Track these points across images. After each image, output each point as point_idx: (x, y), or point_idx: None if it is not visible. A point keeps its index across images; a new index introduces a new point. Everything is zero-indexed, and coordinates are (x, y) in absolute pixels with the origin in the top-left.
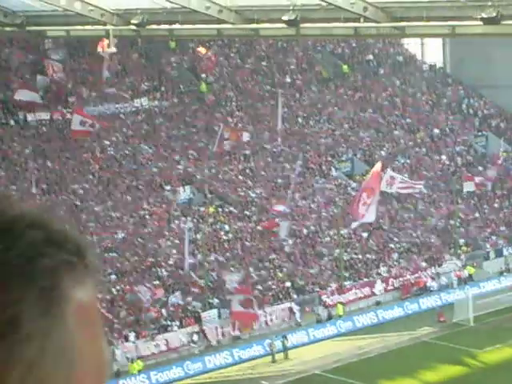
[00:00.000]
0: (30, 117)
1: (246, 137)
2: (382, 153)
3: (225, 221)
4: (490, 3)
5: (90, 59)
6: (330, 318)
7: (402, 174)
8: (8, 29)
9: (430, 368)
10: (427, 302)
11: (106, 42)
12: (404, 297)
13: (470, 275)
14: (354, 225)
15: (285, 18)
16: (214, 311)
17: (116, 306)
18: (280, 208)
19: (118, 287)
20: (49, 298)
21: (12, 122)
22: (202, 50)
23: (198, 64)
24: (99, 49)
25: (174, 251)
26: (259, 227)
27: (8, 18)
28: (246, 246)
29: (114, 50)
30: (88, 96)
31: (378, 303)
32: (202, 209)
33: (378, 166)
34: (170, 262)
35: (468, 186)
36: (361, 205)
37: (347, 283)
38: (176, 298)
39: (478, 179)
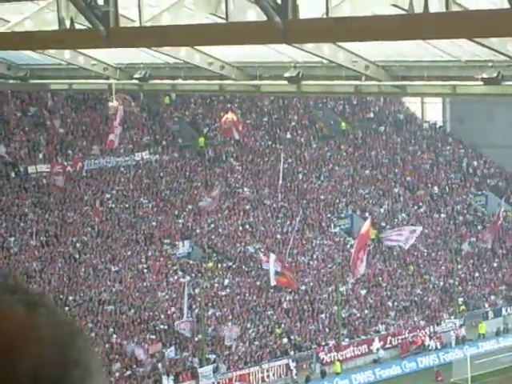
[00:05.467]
0: (30, 169)
1: (246, 192)
2: (382, 210)
3: (223, 275)
4: (490, 64)
5: (91, 113)
6: (323, 375)
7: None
8: (11, 81)
9: None
10: (425, 361)
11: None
12: (404, 355)
13: (483, 334)
14: (351, 280)
15: (286, 74)
16: (211, 367)
17: (112, 359)
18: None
19: (114, 340)
20: None
21: (12, 175)
22: (230, 116)
23: (200, 120)
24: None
25: (172, 305)
26: (258, 282)
27: (11, 70)
28: (244, 302)
29: (115, 103)
30: (89, 149)
31: (375, 361)
32: (201, 263)
33: (367, 224)
34: (168, 316)
35: (467, 247)
36: (359, 262)
37: (345, 340)
38: (172, 353)
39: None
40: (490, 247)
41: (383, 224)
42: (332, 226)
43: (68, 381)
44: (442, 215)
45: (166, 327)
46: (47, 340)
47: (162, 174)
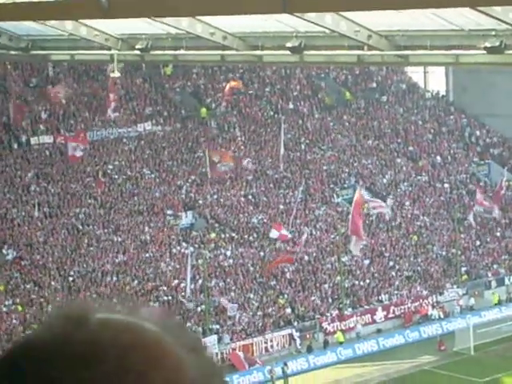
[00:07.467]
0: (32, 140)
1: (246, 162)
2: (384, 180)
3: (226, 246)
4: (493, 32)
5: (93, 83)
6: (325, 344)
7: (404, 201)
8: (13, 52)
9: None
10: (428, 331)
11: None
12: (407, 325)
13: (496, 303)
14: (358, 249)
15: (288, 44)
16: (214, 337)
17: None
18: (277, 234)
19: None
20: None
21: (15, 146)
22: (233, 83)
23: (202, 90)
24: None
25: (175, 276)
26: (261, 253)
27: (13, 41)
28: (248, 272)
29: (117, 74)
30: (91, 120)
31: (378, 331)
32: (204, 234)
33: (357, 193)
34: (171, 287)
35: (472, 217)
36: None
37: (348, 310)
38: None
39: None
40: (496, 216)
41: (385, 194)
42: (335, 196)
43: None
44: (445, 185)
45: (169, 298)
46: None
47: (164, 145)
